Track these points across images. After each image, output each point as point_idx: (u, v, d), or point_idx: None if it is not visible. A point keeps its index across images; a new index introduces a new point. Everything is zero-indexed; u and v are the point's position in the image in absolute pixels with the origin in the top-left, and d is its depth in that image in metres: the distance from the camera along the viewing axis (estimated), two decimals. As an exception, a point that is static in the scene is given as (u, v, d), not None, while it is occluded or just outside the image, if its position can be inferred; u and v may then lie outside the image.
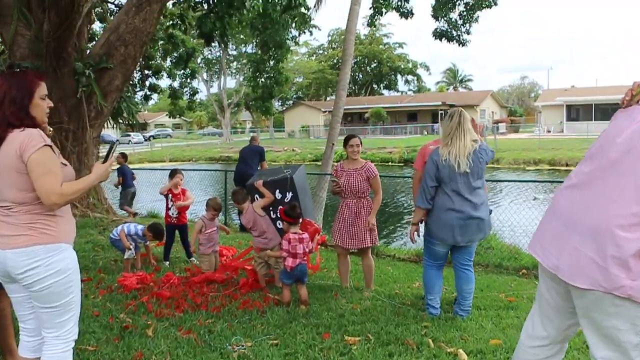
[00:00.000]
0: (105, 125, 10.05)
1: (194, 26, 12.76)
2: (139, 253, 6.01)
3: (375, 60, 66.62)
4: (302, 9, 12.34)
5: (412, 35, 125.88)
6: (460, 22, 14.03)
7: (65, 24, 8.26)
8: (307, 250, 4.54)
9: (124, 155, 10.91)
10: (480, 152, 3.98)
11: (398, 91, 69.83)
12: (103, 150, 8.25)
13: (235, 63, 53.53)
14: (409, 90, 69.63)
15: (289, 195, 4.99)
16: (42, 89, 2.48)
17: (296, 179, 5.02)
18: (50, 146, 2.36)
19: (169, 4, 11.84)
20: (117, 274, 5.36)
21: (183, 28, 13.19)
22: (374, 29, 57.63)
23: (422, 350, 3.48)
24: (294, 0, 11.72)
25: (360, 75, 69.36)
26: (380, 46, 66.49)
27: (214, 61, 51.20)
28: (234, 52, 50.75)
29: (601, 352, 2.07)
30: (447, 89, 72.24)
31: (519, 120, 54.03)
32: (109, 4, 13.16)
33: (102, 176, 2.54)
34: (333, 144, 10.86)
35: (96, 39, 11.32)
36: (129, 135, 48.01)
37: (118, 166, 10.64)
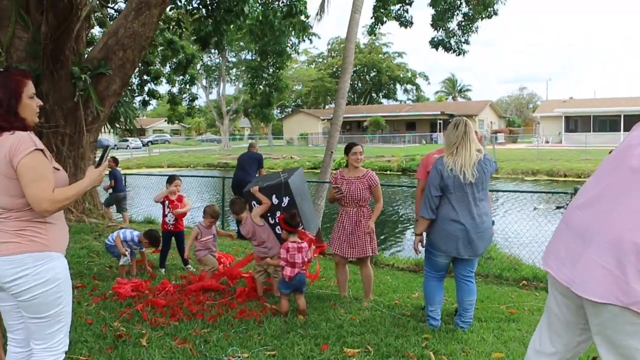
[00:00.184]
0: (103, 129, 9.99)
1: (189, 30, 12.76)
2: (134, 260, 5.92)
3: (375, 69, 66.83)
4: (302, 17, 12.34)
5: (412, 45, 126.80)
6: (459, 32, 14.08)
7: (63, 26, 8.21)
8: (305, 259, 4.45)
9: (114, 159, 10.89)
10: (485, 162, 3.92)
11: (397, 100, 70.08)
12: (99, 154, 8.19)
13: (234, 70, 53.65)
14: (408, 99, 69.93)
15: (286, 199, 4.91)
16: (30, 87, 2.37)
17: (292, 182, 4.93)
18: (42, 150, 2.27)
19: (167, 9, 11.81)
20: (112, 281, 5.27)
21: (179, 32, 13.16)
22: (374, 37, 57.90)
23: (423, 363, 3.40)
24: (295, 7, 11.73)
25: (360, 84, 69.53)
26: (380, 55, 66.73)
27: (213, 68, 51.28)
28: (233, 59, 50.89)
29: None
30: (446, 99, 72.52)
31: (517, 131, 54.15)
32: (108, 9, 13.14)
33: (96, 181, 2.47)
34: (332, 152, 10.81)
35: (95, 43, 11.28)
36: (127, 141, 48.00)
37: (109, 170, 10.63)
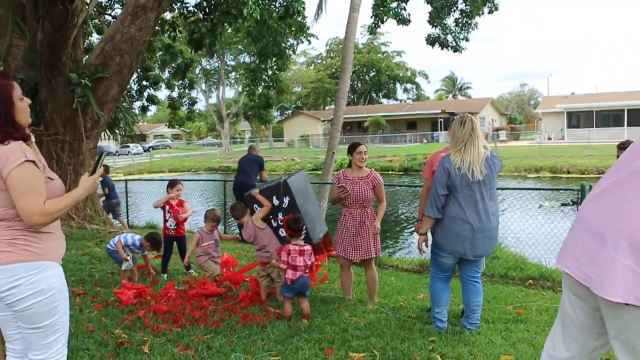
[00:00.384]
0: (103, 136, 9.96)
1: (183, 32, 12.73)
2: (136, 265, 5.87)
3: (374, 69, 66.73)
4: (299, 18, 12.29)
5: (410, 44, 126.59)
6: (457, 29, 14.03)
7: (59, 33, 8.16)
8: (307, 263, 4.38)
9: (105, 168, 10.86)
10: (492, 159, 3.84)
11: (397, 100, 69.99)
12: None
13: (233, 73, 53.66)
14: (408, 98, 69.81)
15: (286, 200, 4.84)
16: (17, 89, 2.29)
17: (292, 183, 4.86)
18: (33, 161, 2.20)
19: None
20: (114, 287, 5.21)
21: (173, 35, 13.14)
22: (373, 37, 57.85)
23: (431, 366, 3.33)
24: (292, 8, 11.68)
25: (359, 84, 69.45)
26: (379, 55, 66.62)
27: (212, 72, 51.30)
28: (232, 63, 50.92)
29: None
30: (446, 97, 72.38)
31: (519, 128, 54.02)
32: (106, 16, 13.12)
33: (89, 189, 2.41)
34: (333, 153, 10.75)
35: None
36: (128, 147, 48.01)
37: (101, 178, 10.57)
